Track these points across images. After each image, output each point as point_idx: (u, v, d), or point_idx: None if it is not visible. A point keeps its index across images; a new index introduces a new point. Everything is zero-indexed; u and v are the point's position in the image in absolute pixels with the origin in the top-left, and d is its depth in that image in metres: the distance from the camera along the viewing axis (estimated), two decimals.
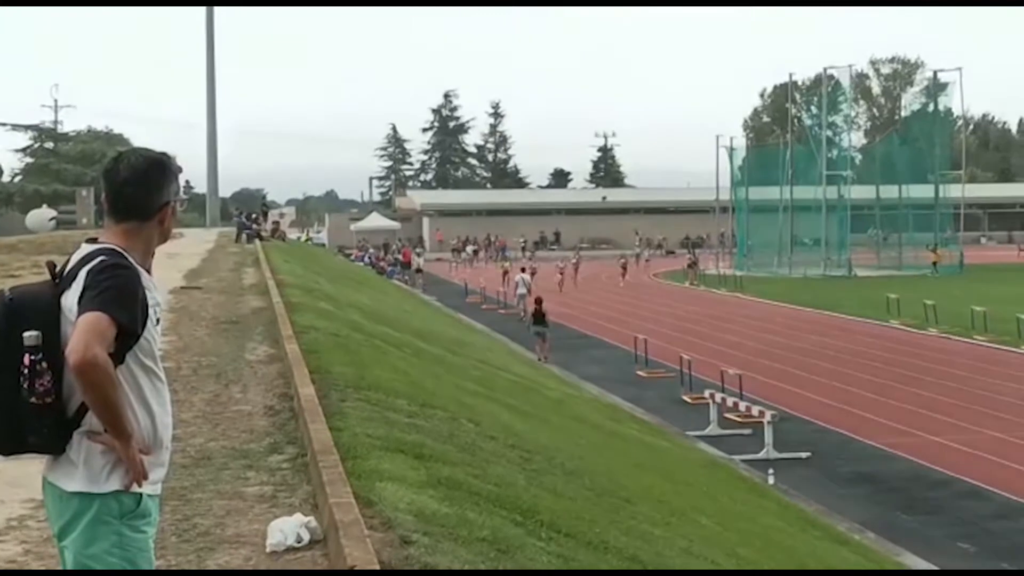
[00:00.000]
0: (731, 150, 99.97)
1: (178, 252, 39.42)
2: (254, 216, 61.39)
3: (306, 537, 7.43)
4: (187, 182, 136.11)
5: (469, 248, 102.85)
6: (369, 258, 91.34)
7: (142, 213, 4.82)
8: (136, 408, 4.71)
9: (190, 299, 24.41)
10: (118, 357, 4.61)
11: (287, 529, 7.47)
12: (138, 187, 4.80)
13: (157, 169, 4.87)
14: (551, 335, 39.88)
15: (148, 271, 4.83)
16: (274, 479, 9.26)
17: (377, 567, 6.28)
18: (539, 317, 39.50)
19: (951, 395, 31.85)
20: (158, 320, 4.82)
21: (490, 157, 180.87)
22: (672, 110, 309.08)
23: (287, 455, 10.05)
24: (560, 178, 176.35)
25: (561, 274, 70.32)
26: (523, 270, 53.71)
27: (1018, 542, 18.61)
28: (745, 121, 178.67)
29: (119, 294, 4.58)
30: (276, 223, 68.98)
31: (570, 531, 9.01)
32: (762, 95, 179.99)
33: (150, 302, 4.73)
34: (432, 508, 8.09)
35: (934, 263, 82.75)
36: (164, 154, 4.94)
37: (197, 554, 7.40)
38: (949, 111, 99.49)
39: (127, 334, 4.61)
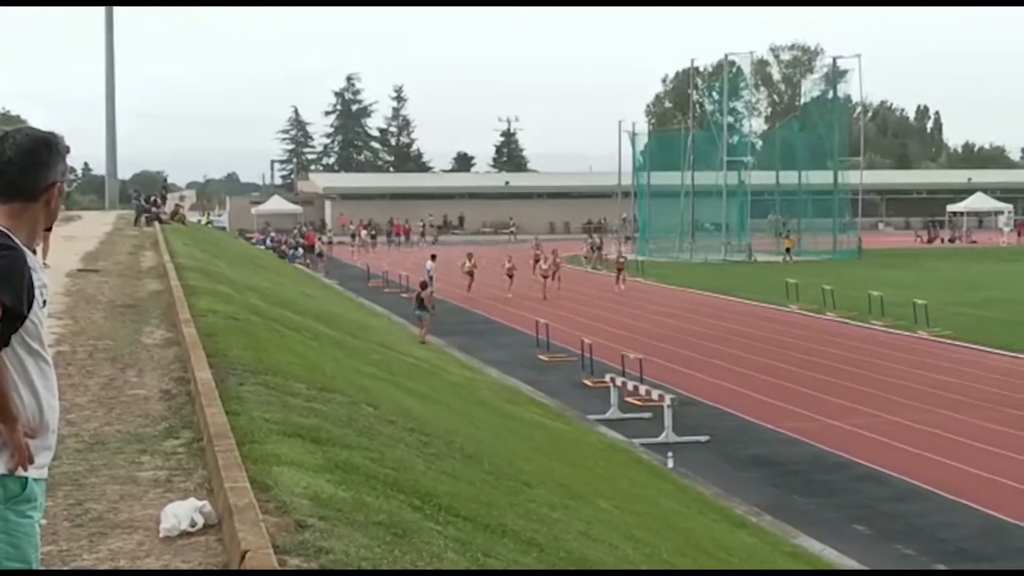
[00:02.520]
0: (633, 135, 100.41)
1: (75, 235, 38.94)
2: (153, 199, 60.69)
3: (200, 521, 7.36)
4: (86, 164, 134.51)
5: (363, 232, 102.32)
6: (270, 241, 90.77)
7: (28, 193, 4.72)
8: (22, 391, 4.63)
9: (87, 282, 24.12)
10: (3, 339, 4.52)
11: (181, 514, 7.39)
12: (24, 167, 4.70)
13: (44, 148, 4.76)
14: (429, 318, 39.40)
15: (34, 252, 4.74)
16: (169, 464, 9.17)
17: (271, 551, 6.23)
18: (420, 302, 39.30)
19: (848, 379, 32.21)
20: (45, 302, 4.73)
21: (393, 141, 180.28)
22: (575, 95, 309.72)
23: (183, 439, 9.95)
24: (463, 162, 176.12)
25: (544, 277, 57.66)
26: (432, 257, 53.37)
27: (912, 524, 18.86)
28: (647, 106, 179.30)
29: (4, 275, 4.49)
30: (177, 206, 68.23)
31: (468, 515, 9.00)
32: (664, 81, 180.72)
33: (36, 284, 4.64)
34: (329, 492, 8.05)
35: (787, 249, 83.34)
36: (51, 133, 4.84)
37: (89, 539, 7.30)
38: (848, 98, 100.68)
39: (13, 316, 4.53)
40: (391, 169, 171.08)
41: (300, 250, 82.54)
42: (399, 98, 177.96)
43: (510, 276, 57.61)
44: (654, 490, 17.83)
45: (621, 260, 62.64)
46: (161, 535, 7.28)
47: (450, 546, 7.59)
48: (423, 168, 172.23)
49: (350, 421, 11.67)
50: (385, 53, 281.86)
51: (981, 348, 37.76)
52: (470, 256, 59.71)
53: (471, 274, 58.00)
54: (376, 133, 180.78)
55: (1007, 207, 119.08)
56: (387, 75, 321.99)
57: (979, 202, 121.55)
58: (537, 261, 63.35)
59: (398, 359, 25.38)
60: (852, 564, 16.07)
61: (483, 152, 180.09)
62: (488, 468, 12.15)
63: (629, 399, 28.01)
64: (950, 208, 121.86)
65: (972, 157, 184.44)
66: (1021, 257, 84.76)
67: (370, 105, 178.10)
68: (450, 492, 9.63)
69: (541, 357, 37.04)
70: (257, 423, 9.96)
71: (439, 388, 21.93)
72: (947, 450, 23.69)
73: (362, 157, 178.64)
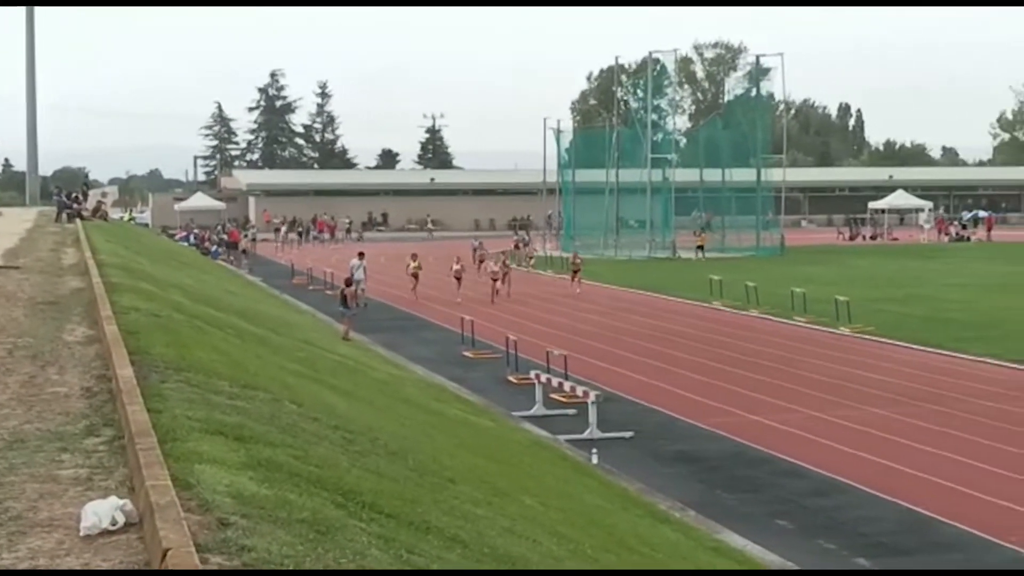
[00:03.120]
0: (558, 132, 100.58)
1: None
2: (75, 195, 60.17)
3: (121, 520, 7.29)
4: (6, 160, 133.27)
5: (283, 229, 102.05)
6: (193, 238, 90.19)
7: None
8: None
9: (7, 279, 23.87)
10: None
11: (101, 512, 7.32)
12: None
13: None
14: (352, 315, 39.14)
15: None
16: (90, 462, 9.09)
17: (192, 550, 6.19)
18: (344, 299, 39.07)
19: (772, 375, 32.45)
20: None
21: (317, 137, 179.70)
22: (501, 92, 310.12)
23: (104, 437, 9.87)
24: (388, 159, 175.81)
25: (494, 280, 53.82)
26: (360, 255, 52.80)
27: (834, 519, 19.02)
28: (573, 103, 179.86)
29: None
30: (99, 202, 67.68)
31: (392, 511, 8.99)
32: (589, 78, 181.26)
33: None
34: (251, 490, 8.02)
35: (699, 246, 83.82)
36: None
37: (8, 538, 7.22)
38: (771, 96, 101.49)
39: None
40: (315, 166, 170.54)
41: (223, 247, 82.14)
42: (323, 94, 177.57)
43: (458, 279, 54.20)
44: (578, 486, 17.86)
45: (577, 261, 59.53)
46: (81, 533, 7.21)
47: (373, 543, 7.57)
48: (348, 165, 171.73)
49: (273, 419, 11.63)
50: (310, 49, 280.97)
51: (902, 344, 38.14)
52: (414, 257, 55.47)
53: (416, 276, 54.32)
54: (300, 129, 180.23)
55: (927, 204, 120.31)
56: (311, 71, 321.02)
57: (900, 199, 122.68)
58: (482, 262, 62.33)
59: (322, 356, 25.29)
60: (774, 559, 16.17)
61: (408, 149, 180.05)
62: (412, 465, 12.14)
63: (554, 396, 28.07)
64: (871, 205, 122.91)
65: (893, 155, 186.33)
66: (941, 254, 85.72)
67: (294, 101, 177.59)
68: (374, 489, 9.61)
69: (466, 354, 37.05)
70: (179, 421, 9.90)
71: (363, 385, 21.88)
72: (868, 445, 23.90)
73: (286, 153, 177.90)
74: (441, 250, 70.51)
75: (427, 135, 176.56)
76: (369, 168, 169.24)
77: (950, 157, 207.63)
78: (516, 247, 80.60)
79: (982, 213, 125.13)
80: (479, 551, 8.96)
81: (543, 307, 49.90)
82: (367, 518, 8.39)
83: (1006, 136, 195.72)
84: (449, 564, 8.07)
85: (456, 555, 8.50)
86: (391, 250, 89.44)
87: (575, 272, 58.24)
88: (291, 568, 6.48)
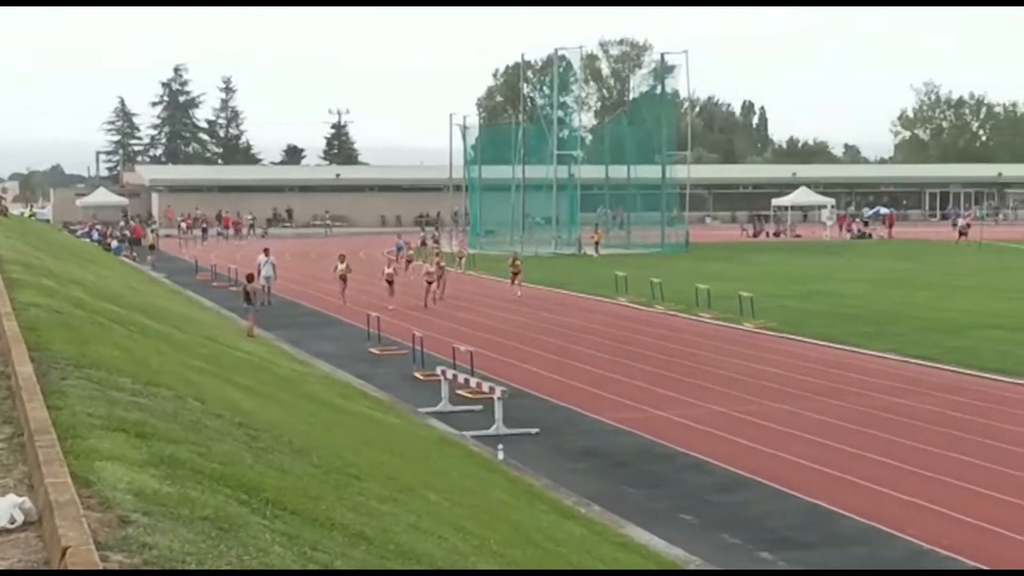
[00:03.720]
0: (464, 129, 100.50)
1: None
2: None
3: (20, 518, 7.20)
4: None
5: (182, 224, 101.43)
6: (96, 234, 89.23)
7: None
8: None
9: None
10: None
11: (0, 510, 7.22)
12: None
13: None
14: (255, 311, 38.85)
15: None
16: None
17: (92, 548, 6.12)
18: (247, 295, 38.77)
19: (676, 371, 32.65)
20: None
21: (222, 132, 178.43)
22: (407, 88, 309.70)
23: (3, 435, 9.75)
24: (293, 154, 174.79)
25: (429, 283, 49.48)
26: (265, 251, 52.16)
27: (737, 513, 19.16)
28: (479, 100, 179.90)
29: None
30: None
31: (296, 508, 8.94)
32: (495, 75, 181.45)
33: None
34: (153, 487, 7.95)
35: (596, 243, 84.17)
36: None
37: None
38: (676, 93, 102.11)
39: None
40: (219, 161, 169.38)
41: (126, 243, 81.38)
42: (228, 89, 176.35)
43: (389, 283, 49.56)
44: (484, 482, 17.88)
45: (517, 263, 54.71)
46: None
47: (277, 540, 7.53)
48: (252, 160, 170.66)
49: (176, 416, 11.53)
50: (213, 44, 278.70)
51: (804, 340, 38.52)
52: (342, 258, 50.70)
53: (344, 279, 49.98)
54: (204, 125, 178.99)
55: (830, 201, 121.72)
56: (215, 66, 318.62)
57: (803, 196, 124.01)
58: (410, 262, 60.51)
59: (226, 353, 25.13)
60: (679, 553, 16.26)
61: (314, 145, 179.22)
62: (317, 462, 12.09)
63: (460, 392, 28.05)
64: (775, 202, 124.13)
65: (796, 152, 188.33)
66: (843, 250, 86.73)
67: (198, 96, 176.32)
68: (277, 486, 9.56)
69: (372, 350, 36.94)
70: (80, 418, 9.79)
71: (268, 382, 21.77)
72: (772, 440, 24.11)
73: (190, 149, 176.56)
74: (343, 247, 69.83)
75: (332, 131, 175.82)
76: (274, 164, 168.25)
77: (852, 155, 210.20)
78: (423, 244, 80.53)
79: (883, 210, 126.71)
80: (384, 548, 8.94)
81: (447, 303, 49.77)
82: (270, 515, 8.34)
83: (907, 134, 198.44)
84: (353, 561, 8.04)
85: (360, 552, 8.47)
86: (296, 247, 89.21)
87: (515, 275, 53.93)
88: (194, 566, 6.42)
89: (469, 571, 9.76)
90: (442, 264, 52.34)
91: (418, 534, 10.24)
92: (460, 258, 68.09)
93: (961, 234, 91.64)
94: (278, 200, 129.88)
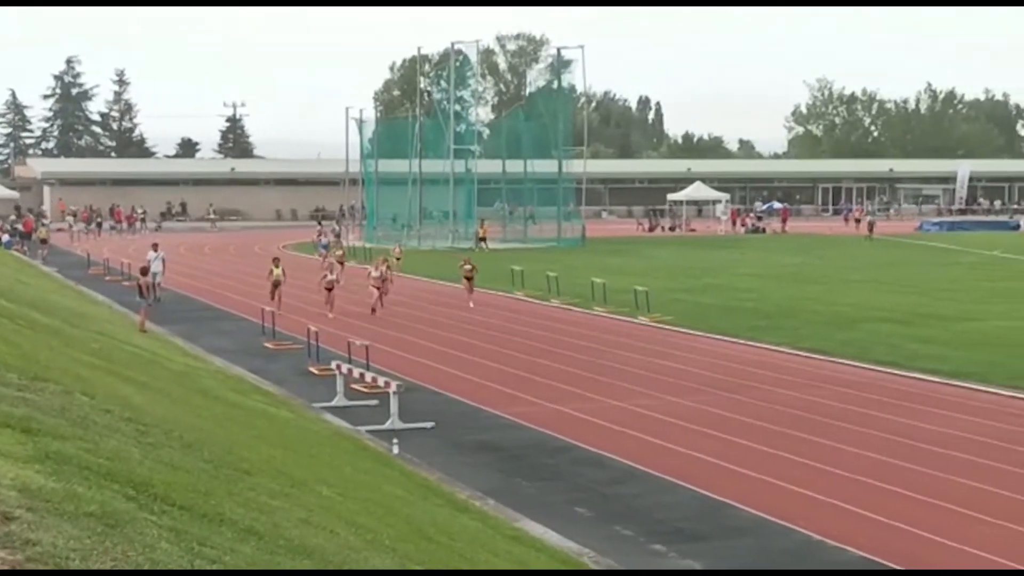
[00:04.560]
0: (361, 122, 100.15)
1: None
2: None
3: None
4: None
5: (69, 218, 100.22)
6: None
7: None
8: None
9: None
10: None
11: None
12: None
13: None
14: (147, 306, 38.43)
15: None
16: None
17: None
18: (140, 289, 38.36)
19: (572, 365, 32.76)
20: None
21: (115, 125, 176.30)
22: (303, 81, 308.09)
23: None
24: (188, 148, 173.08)
25: (376, 288, 44.61)
26: (154, 247, 51.36)
27: (631, 506, 19.26)
28: (376, 93, 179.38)
29: None
30: None
31: (185, 504, 8.85)
32: (392, 68, 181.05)
33: None
34: (38, 483, 7.82)
35: (482, 239, 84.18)
36: None
37: None
38: (572, 88, 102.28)
39: None
40: (113, 154, 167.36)
41: (17, 237, 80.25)
42: (121, 82, 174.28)
43: (329, 290, 44.20)
44: (379, 476, 17.82)
45: (468, 268, 47.89)
46: None
47: (164, 536, 7.44)
48: (146, 153, 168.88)
49: (64, 411, 11.37)
50: (106, 36, 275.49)
51: (698, 333, 38.85)
52: (276, 261, 45.69)
53: (278, 285, 44.32)
54: (97, 117, 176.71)
55: (724, 196, 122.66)
56: (109, 58, 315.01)
57: (698, 191, 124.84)
58: (342, 263, 53.97)
59: (118, 348, 24.85)
60: (572, 546, 16.31)
61: (208, 138, 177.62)
62: (208, 457, 11.98)
63: (355, 386, 27.98)
64: (670, 197, 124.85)
65: (691, 147, 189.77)
66: (737, 244, 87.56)
67: (91, 89, 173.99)
68: (166, 481, 9.46)
69: (267, 345, 36.73)
70: None
71: (159, 377, 21.54)
72: (666, 433, 24.28)
73: (83, 142, 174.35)
74: (236, 241, 69.28)
75: (227, 124, 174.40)
76: (168, 157, 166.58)
77: (746, 150, 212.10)
78: (319, 237, 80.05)
79: (777, 205, 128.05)
80: (274, 543, 8.87)
81: (343, 297, 49.47)
82: (158, 510, 8.25)
83: (800, 130, 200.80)
84: (243, 556, 7.97)
85: (250, 547, 8.40)
86: (190, 240, 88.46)
87: (468, 279, 47.46)
88: (78, 563, 6.33)
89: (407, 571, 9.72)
90: (390, 268, 48.05)
91: (309, 529, 10.18)
92: (397, 258, 59.86)
93: (870, 228, 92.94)
94: (172, 194, 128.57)
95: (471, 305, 46.32)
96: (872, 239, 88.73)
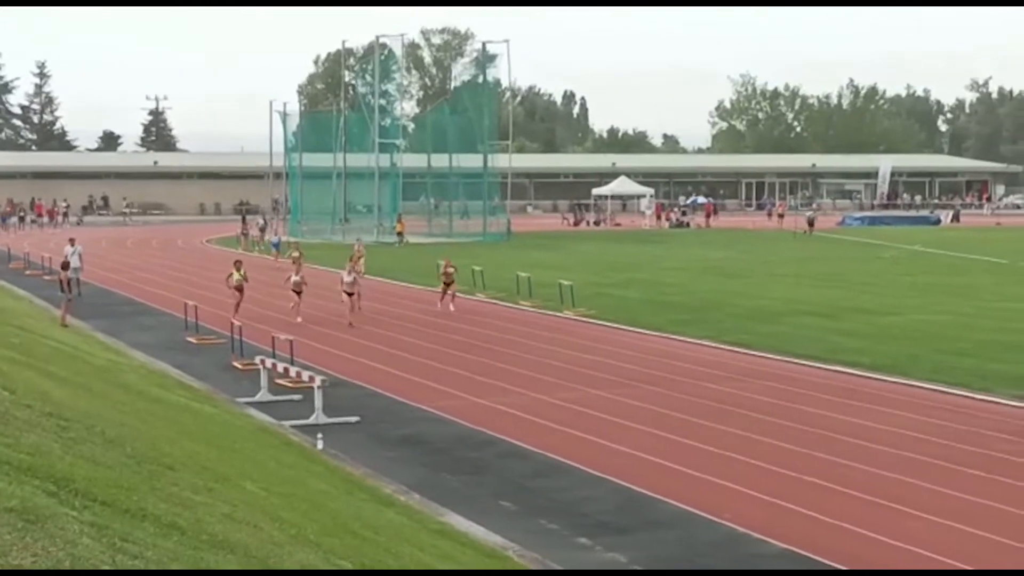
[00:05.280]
0: (285, 116, 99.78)
1: None
2: None
3: None
4: None
5: None
6: None
7: None
8: None
9: None
10: None
11: None
12: None
13: None
14: (67, 300, 38.02)
15: None
16: None
17: None
18: (61, 284, 37.98)
19: (497, 359, 32.78)
20: None
21: (35, 118, 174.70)
22: (227, 75, 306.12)
23: None
24: (110, 141, 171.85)
25: (349, 294, 40.54)
26: (71, 241, 50.64)
27: (554, 499, 19.28)
28: (300, 87, 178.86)
29: None
30: None
31: (106, 499, 8.79)
32: (316, 62, 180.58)
33: None
34: None
35: (399, 233, 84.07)
36: None
37: None
38: (497, 82, 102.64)
39: None
40: (34, 148, 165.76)
41: None
42: (42, 74, 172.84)
43: (297, 292, 40.85)
44: (303, 471, 17.75)
45: (450, 271, 43.59)
46: None
47: (85, 531, 7.39)
48: (68, 147, 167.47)
49: None
50: (26, 27, 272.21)
51: (623, 327, 38.97)
52: (238, 265, 41.25)
53: (240, 289, 40.33)
54: (18, 110, 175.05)
55: (648, 191, 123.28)
56: (29, 50, 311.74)
57: (623, 186, 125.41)
58: (297, 263, 45.85)
59: (38, 342, 24.62)
60: (497, 540, 16.31)
61: (131, 132, 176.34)
62: (130, 452, 11.90)
63: (279, 381, 27.85)
64: (595, 192, 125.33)
65: (616, 142, 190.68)
66: (661, 239, 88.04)
67: (11, 81, 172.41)
68: (88, 477, 9.39)
69: (190, 340, 36.48)
70: None
71: (81, 372, 21.37)
72: (590, 426, 24.34)
73: (2, 135, 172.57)
74: (158, 236, 68.74)
75: (150, 117, 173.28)
76: (90, 150, 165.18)
77: (671, 145, 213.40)
78: (244, 233, 79.70)
79: (701, 199, 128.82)
80: (196, 538, 8.83)
81: (268, 292, 49.19)
82: (80, 506, 8.19)
83: (724, 125, 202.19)
84: (165, 552, 7.93)
85: (173, 542, 8.36)
86: (112, 234, 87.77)
87: (447, 284, 43.20)
88: None
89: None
90: (361, 271, 44.66)
91: (233, 524, 10.13)
92: (359, 257, 51.82)
93: (810, 224, 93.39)
94: (94, 187, 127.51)
95: (452, 309, 42.40)
96: (810, 234, 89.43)
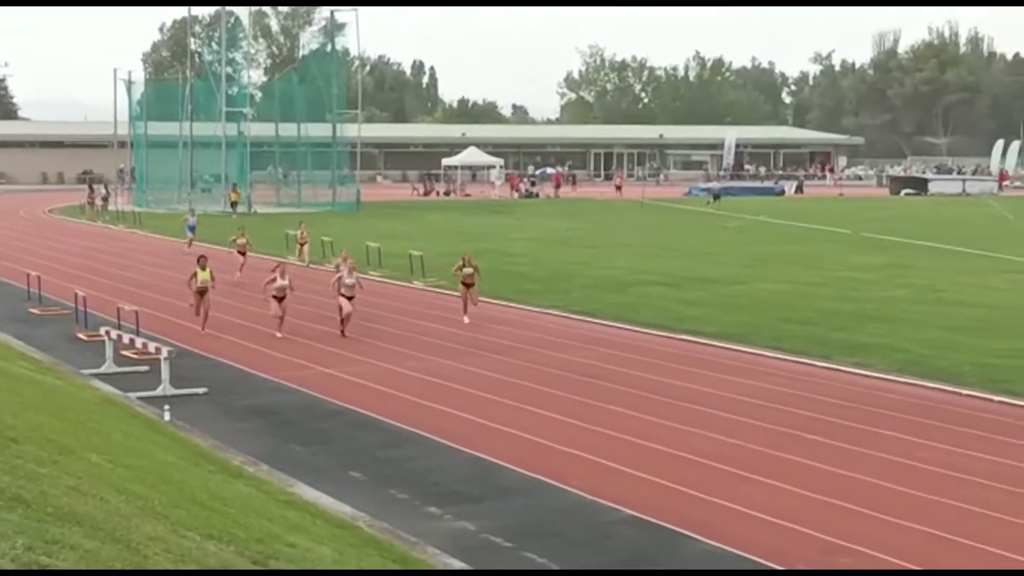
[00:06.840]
0: (129, 84, 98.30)
1: None
2: None
3: None
4: None
5: None
6: None
7: None
8: None
9: None
10: None
11: None
12: None
13: None
14: None
15: None
16: None
17: None
18: None
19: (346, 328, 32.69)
20: None
21: None
22: (69, 41, 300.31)
23: None
24: None
25: (349, 298, 32.17)
26: None
27: (404, 469, 19.36)
28: (145, 55, 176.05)
29: None
30: None
31: None
32: (161, 29, 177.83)
33: None
34: None
35: (233, 203, 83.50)
36: None
37: None
38: (346, 51, 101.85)
39: None
40: None
41: None
42: None
43: (279, 299, 32.06)
44: (149, 443, 17.62)
45: (468, 271, 34.54)
46: None
47: None
48: None
49: None
50: None
51: None
52: (203, 262, 32.86)
53: (204, 292, 32.49)
54: None
55: (498, 161, 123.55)
56: None
57: (472, 156, 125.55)
58: (244, 253, 44.83)
59: None
60: (347, 510, 16.35)
61: None
62: None
63: (125, 352, 27.55)
64: (445, 162, 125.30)
65: (466, 112, 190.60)
66: (510, 209, 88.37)
67: None
68: None
69: (32, 311, 35.90)
70: None
71: None
72: (438, 396, 24.45)
73: None
74: None
75: None
76: None
77: (520, 115, 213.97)
78: (91, 202, 78.48)
79: (550, 170, 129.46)
80: (42, 510, 8.77)
81: (113, 263, 48.57)
82: None
83: (573, 96, 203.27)
84: (10, 524, 7.87)
85: (17, 515, 8.30)
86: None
87: (468, 286, 34.56)
88: None
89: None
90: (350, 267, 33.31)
91: (79, 496, 10.07)
92: (301, 244, 49.92)
93: (617, 188, 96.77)
94: None
95: (466, 320, 34.24)
96: (638, 201, 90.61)
